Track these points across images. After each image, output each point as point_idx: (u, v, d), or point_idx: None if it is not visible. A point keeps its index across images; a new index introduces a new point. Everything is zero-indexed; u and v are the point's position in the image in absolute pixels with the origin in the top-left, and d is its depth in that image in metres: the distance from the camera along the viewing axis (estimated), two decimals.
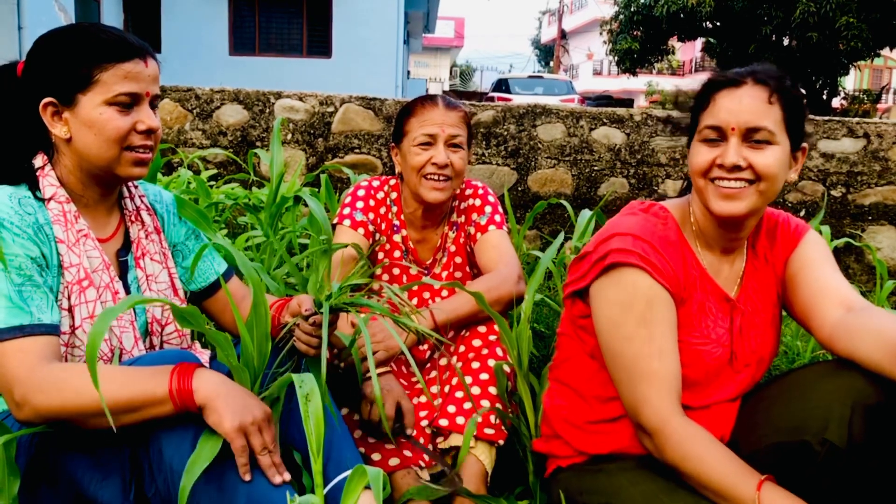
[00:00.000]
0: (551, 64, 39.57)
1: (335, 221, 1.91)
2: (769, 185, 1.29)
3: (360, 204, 1.91)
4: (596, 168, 4.28)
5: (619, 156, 4.28)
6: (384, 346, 1.60)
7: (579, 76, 40.75)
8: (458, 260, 1.98)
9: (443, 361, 1.79)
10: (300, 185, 3.09)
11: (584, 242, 2.51)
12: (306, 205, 1.92)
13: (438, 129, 1.82)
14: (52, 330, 1.16)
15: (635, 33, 16.55)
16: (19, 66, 1.28)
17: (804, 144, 1.35)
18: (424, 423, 1.64)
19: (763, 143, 1.27)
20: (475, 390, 1.64)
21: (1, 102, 1.28)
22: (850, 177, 4.31)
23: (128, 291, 1.34)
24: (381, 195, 1.95)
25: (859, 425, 1.16)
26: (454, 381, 1.69)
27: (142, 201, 1.42)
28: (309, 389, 1.12)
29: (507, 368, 1.65)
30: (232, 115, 4.14)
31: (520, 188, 4.27)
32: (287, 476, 1.14)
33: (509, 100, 13.56)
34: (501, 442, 1.63)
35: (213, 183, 3.63)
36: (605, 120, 4.27)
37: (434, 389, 1.73)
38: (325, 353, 1.21)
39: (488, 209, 1.95)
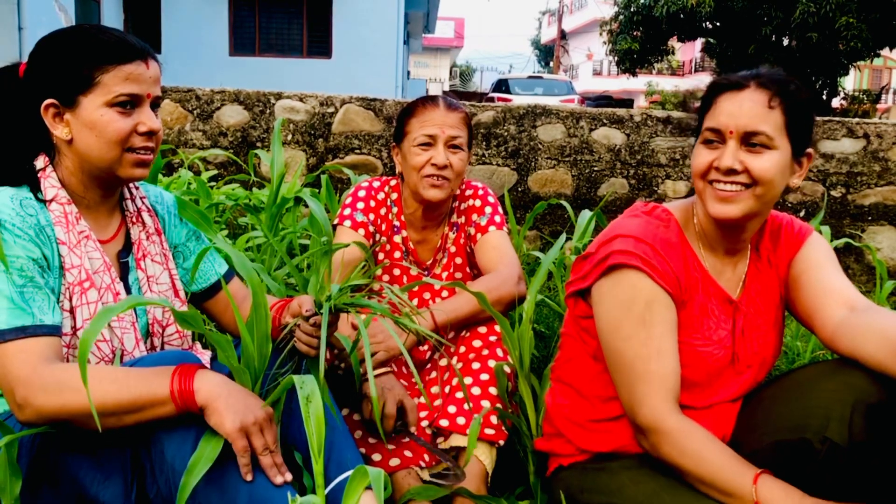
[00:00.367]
0: (551, 64, 39.58)
1: (336, 222, 1.91)
2: (766, 190, 1.28)
3: (360, 205, 1.91)
4: (596, 168, 4.29)
5: (619, 156, 4.28)
6: (384, 346, 1.61)
7: (579, 76, 40.75)
8: (459, 261, 1.98)
9: (443, 362, 1.79)
10: (301, 186, 3.09)
11: (584, 243, 2.52)
12: (307, 205, 1.93)
13: (438, 129, 1.82)
14: (54, 331, 1.16)
15: (635, 33, 16.55)
16: (21, 67, 1.28)
17: (809, 150, 1.34)
18: (425, 423, 1.65)
19: (761, 148, 1.27)
20: (476, 391, 1.64)
21: (3, 104, 1.28)
22: (849, 177, 4.31)
23: (129, 292, 1.34)
24: (381, 196, 1.95)
25: (860, 424, 1.16)
26: (455, 381, 1.69)
27: (143, 202, 1.42)
28: (310, 390, 1.12)
29: (507, 369, 1.65)
30: (232, 115, 4.14)
31: (520, 189, 4.27)
32: (288, 476, 1.14)
33: (509, 100, 13.56)
34: (502, 442, 1.63)
35: (213, 184, 3.63)
36: (604, 120, 4.27)
37: (434, 390, 1.73)
38: (323, 354, 1.21)
39: (488, 210, 1.95)
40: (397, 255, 1.95)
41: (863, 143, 4.28)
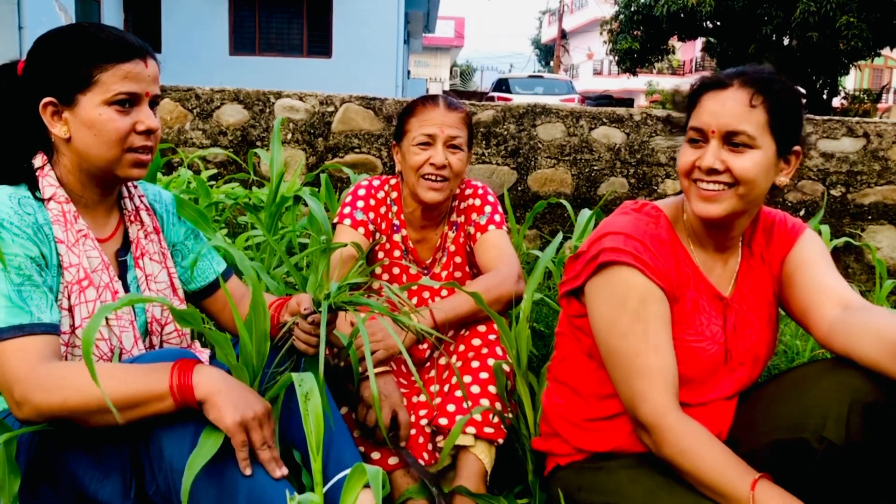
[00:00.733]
0: (551, 64, 39.57)
1: (335, 221, 1.91)
2: (749, 190, 1.28)
3: (360, 203, 1.91)
4: (596, 168, 4.29)
5: (618, 155, 4.28)
6: (383, 345, 1.61)
7: (579, 76, 40.74)
8: (458, 260, 1.98)
9: (442, 361, 1.79)
10: (300, 185, 3.09)
11: (582, 243, 2.51)
12: (306, 204, 1.93)
13: (437, 129, 1.82)
14: (52, 329, 1.16)
15: (635, 33, 16.55)
16: (20, 65, 1.28)
17: (797, 147, 1.33)
18: (424, 422, 1.65)
19: (743, 147, 1.27)
20: (475, 389, 1.64)
21: (1, 101, 1.28)
22: (849, 176, 4.31)
23: (127, 291, 1.34)
24: (381, 195, 1.95)
25: (857, 423, 1.16)
26: (454, 380, 1.69)
27: (141, 201, 1.42)
28: (308, 388, 1.12)
29: (506, 368, 1.65)
30: (232, 114, 4.14)
31: (519, 188, 4.27)
32: (285, 470, 1.14)
33: (509, 99, 13.55)
34: (501, 441, 1.63)
35: (213, 182, 3.63)
36: (604, 119, 4.27)
37: (434, 389, 1.73)
38: (322, 352, 1.21)
39: (488, 209, 1.95)
40: (397, 253, 1.95)
41: (863, 143, 4.28)
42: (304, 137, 4.16)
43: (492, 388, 1.64)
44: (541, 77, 17.12)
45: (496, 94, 15.37)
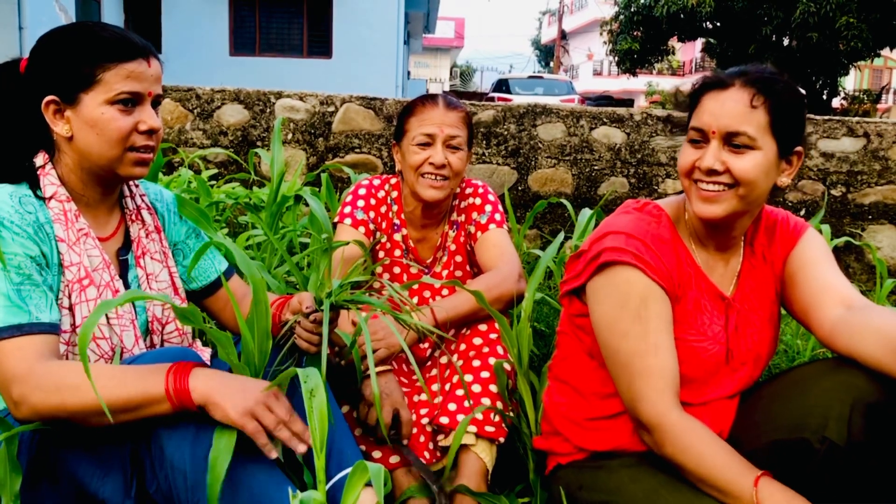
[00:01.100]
0: (551, 64, 39.58)
1: (336, 220, 1.92)
2: (748, 190, 1.28)
3: (360, 203, 1.91)
4: (596, 167, 4.29)
5: (619, 155, 4.28)
6: (385, 343, 1.61)
7: (579, 76, 40.75)
8: (459, 259, 1.98)
9: (443, 359, 1.79)
10: (301, 185, 3.09)
11: (583, 243, 2.51)
12: (307, 204, 1.93)
13: (437, 129, 1.82)
14: (51, 329, 1.16)
15: (635, 34, 16.55)
16: (22, 62, 1.28)
17: (799, 148, 1.32)
18: (425, 420, 1.65)
19: (743, 148, 1.26)
20: (476, 388, 1.64)
21: (3, 99, 1.28)
22: (850, 176, 4.31)
23: (128, 290, 1.34)
24: (381, 194, 1.95)
25: (859, 423, 1.16)
26: (455, 378, 1.69)
27: (142, 200, 1.42)
28: (314, 385, 1.11)
29: (507, 367, 1.65)
30: (232, 114, 4.14)
31: (520, 188, 4.27)
32: (310, 441, 1.13)
33: (509, 100, 13.55)
34: (502, 440, 1.63)
35: (213, 182, 3.63)
36: (605, 119, 4.27)
37: (435, 387, 1.73)
38: (324, 351, 1.21)
39: (488, 208, 1.95)
40: (397, 253, 1.95)
41: (863, 142, 4.28)
42: (304, 137, 4.16)
43: (493, 387, 1.64)
44: (541, 77, 17.11)
45: (496, 95, 15.36)
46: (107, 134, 1.23)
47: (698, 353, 1.33)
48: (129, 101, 1.24)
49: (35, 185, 1.25)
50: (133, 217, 1.39)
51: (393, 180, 1.98)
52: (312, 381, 1.12)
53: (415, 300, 1.93)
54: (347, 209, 1.90)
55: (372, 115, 4.15)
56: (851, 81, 28.34)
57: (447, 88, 33.81)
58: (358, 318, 1.25)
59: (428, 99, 1.89)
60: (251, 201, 2.98)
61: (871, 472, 1.18)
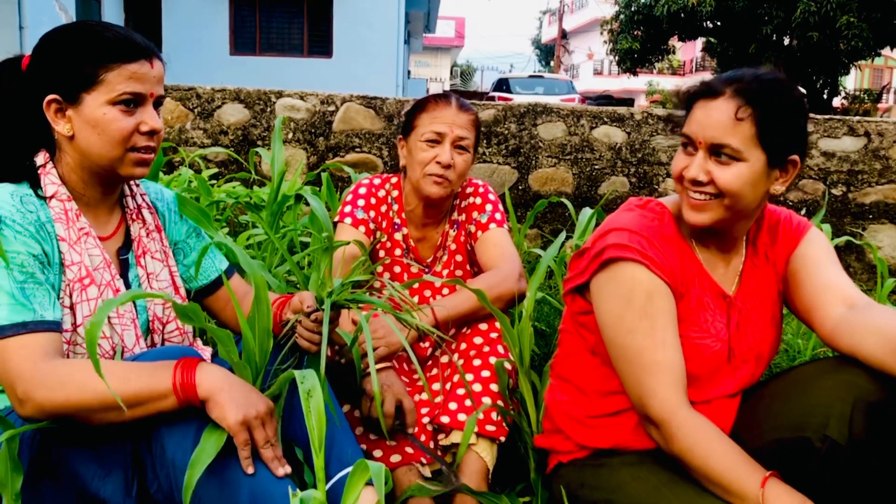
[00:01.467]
0: (552, 64, 39.59)
1: (336, 219, 1.92)
2: (734, 201, 1.27)
3: (361, 202, 1.91)
4: (597, 167, 4.28)
5: (619, 154, 4.28)
6: (385, 342, 1.61)
7: (580, 76, 40.74)
8: (459, 258, 1.98)
9: (444, 359, 1.79)
10: (301, 184, 3.09)
11: (585, 241, 2.51)
12: (307, 203, 1.93)
13: (448, 128, 1.83)
14: (55, 327, 1.16)
15: (636, 33, 16.56)
16: (24, 60, 1.28)
17: (793, 156, 1.29)
18: (426, 419, 1.65)
19: (728, 159, 1.25)
20: (477, 387, 1.64)
21: (4, 97, 1.28)
22: (850, 175, 4.31)
23: (129, 289, 1.34)
24: (382, 193, 1.95)
25: (860, 422, 1.16)
26: (455, 378, 1.69)
27: (143, 199, 1.42)
28: (311, 385, 1.12)
29: (508, 366, 1.65)
30: (233, 114, 4.14)
31: (520, 187, 4.27)
32: (288, 469, 1.14)
33: (510, 99, 13.52)
34: (503, 439, 1.63)
35: (214, 182, 3.63)
36: (605, 119, 4.27)
37: (435, 387, 1.73)
38: (324, 350, 1.21)
39: (489, 207, 1.95)
40: (398, 252, 1.95)
41: (864, 142, 4.27)
42: (305, 137, 4.16)
43: (493, 387, 1.64)
44: (541, 77, 17.11)
45: (496, 94, 15.37)
46: (108, 134, 1.23)
47: (701, 351, 1.33)
48: (131, 102, 1.24)
49: (36, 185, 1.25)
50: (133, 216, 1.39)
51: (393, 179, 1.98)
52: (310, 381, 1.12)
53: (415, 299, 1.93)
54: (348, 208, 1.90)
55: (372, 115, 4.15)
56: (852, 81, 28.33)
57: (447, 88, 33.80)
58: (358, 317, 1.25)
59: (441, 98, 1.89)
60: (252, 200, 2.98)
61: (873, 472, 1.18)
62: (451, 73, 46.63)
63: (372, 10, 12.82)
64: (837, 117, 4.29)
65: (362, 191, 1.93)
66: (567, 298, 1.47)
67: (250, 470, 1.11)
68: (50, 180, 1.26)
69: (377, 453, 1.56)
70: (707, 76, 1.35)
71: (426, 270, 1.96)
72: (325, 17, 12.99)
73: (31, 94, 1.25)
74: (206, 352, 1.40)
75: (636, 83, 30.76)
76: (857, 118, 4.29)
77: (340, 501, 1.09)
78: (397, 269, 1.95)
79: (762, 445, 1.25)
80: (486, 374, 1.66)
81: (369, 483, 1.11)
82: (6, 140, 1.28)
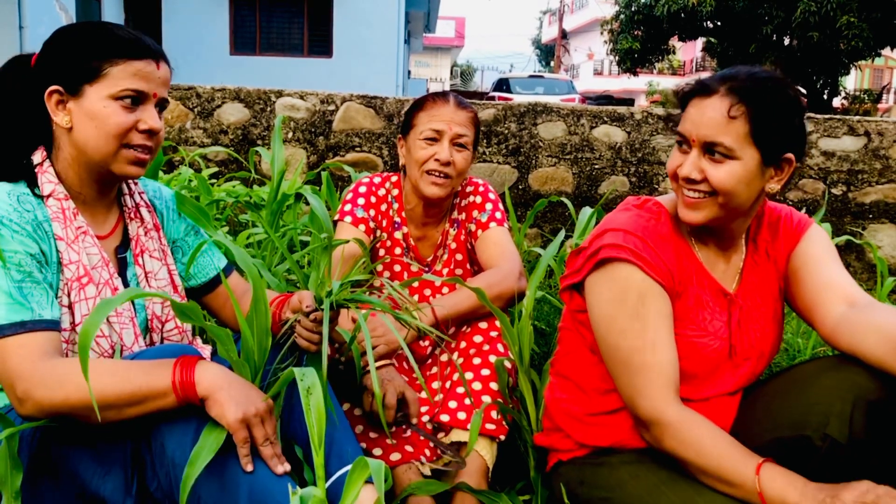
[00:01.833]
0: (552, 64, 39.60)
1: (336, 218, 1.91)
2: (728, 199, 1.27)
3: (361, 201, 1.91)
4: (597, 166, 4.28)
5: (619, 154, 4.28)
6: (385, 340, 1.61)
7: (580, 76, 40.73)
8: (459, 257, 1.98)
9: (444, 357, 1.79)
10: (301, 183, 3.09)
11: (585, 240, 2.51)
12: (307, 202, 1.93)
13: (446, 125, 1.83)
14: (53, 326, 1.16)
15: (636, 33, 16.56)
16: (34, 58, 1.29)
17: (788, 155, 1.29)
18: (426, 418, 1.65)
19: (722, 157, 1.25)
20: (476, 386, 1.64)
21: (11, 93, 1.28)
22: (850, 175, 4.31)
23: (127, 288, 1.34)
24: (382, 192, 1.95)
25: (861, 421, 1.16)
26: (455, 376, 1.69)
27: (141, 198, 1.42)
28: (310, 383, 1.12)
29: (508, 364, 1.65)
30: (233, 113, 4.14)
31: (520, 186, 4.27)
32: (288, 466, 1.14)
33: (510, 99, 13.52)
34: (502, 437, 1.63)
35: (214, 181, 3.63)
36: (605, 118, 4.27)
37: (435, 385, 1.73)
38: (325, 349, 1.21)
39: (489, 206, 1.95)
40: (398, 251, 1.95)
41: (864, 141, 4.27)
42: (305, 136, 4.15)
43: (493, 385, 1.64)
44: (541, 77, 17.11)
45: (497, 94, 15.36)
46: (105, 128, 1.23)
47: (699, 349, 1.33)
48: (133, 99, 1.24)
49: (33, 184, 1.25)
50: (132, 215, 1.39)
51: (393, 178, 1.98)
52: (309, 379, 1.12)
53: (415, 298, 1.93)
54: (348, 207, 1.90)
55: (372, 114, 4.15)
56: (852, 81, 28.33)
57: (447, 88, 33.78)
58: (358, 317, 1.25)
59: (439, 96, 1.89)
60: (251, 200, 2.98)
61: (873, 470, 1.18)
62: (452, 73, 46.64)
63: (372, 10, 12.82)
64: (837, 117, 4.29)
65: (362, 189, 1.93)
66: (565, 296, 1.47)
67: (249, 468, 1.10)
68: (47, 179, 1.26)
69: (377, 452, 1.56)
70: (696, 79, 1.35)
71: (426, 269, 1.96)
72: (325, 17, 12.99)
73: (34, 88, 1.25)
74: (206, 350, 1.39)
75: (636, 83, 30.76)
76: (857, 118, 4.29)
77: (340, 499, 1.09)
78: (397, 267, 1.95)
79: (762, 444, 1.25)
80: (485, 372, 1.66)
81: (369, 481, 1.10)
82: (5, 136, 1.27)
